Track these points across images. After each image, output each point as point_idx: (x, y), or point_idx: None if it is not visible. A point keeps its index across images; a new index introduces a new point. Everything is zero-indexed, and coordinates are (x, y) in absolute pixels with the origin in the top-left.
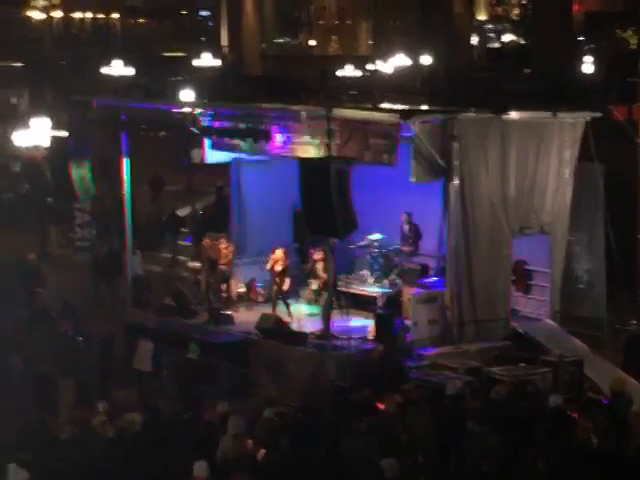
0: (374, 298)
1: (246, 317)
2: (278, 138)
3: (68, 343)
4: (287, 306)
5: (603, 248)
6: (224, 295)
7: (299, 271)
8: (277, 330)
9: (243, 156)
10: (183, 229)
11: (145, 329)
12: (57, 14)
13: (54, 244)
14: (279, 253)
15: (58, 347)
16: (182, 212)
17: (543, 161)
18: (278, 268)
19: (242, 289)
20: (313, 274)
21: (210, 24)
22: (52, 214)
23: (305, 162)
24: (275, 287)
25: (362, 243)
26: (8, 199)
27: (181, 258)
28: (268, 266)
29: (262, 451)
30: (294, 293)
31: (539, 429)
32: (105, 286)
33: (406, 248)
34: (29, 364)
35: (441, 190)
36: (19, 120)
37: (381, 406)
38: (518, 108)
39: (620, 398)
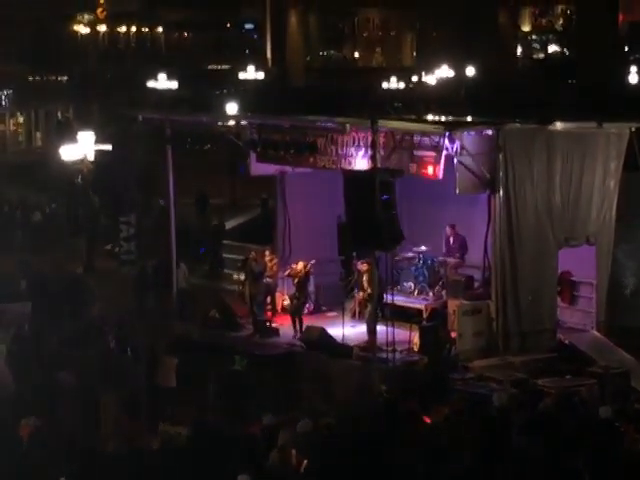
0: (419, 310)
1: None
2: (323, 150)
3: (114, 357)
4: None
5: None
6: (269, 307)
7: (344, 283)
8: (322, 342)
9: (288, 168)
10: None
11: (189, 342)
12: (102, 28)
13: (100, 258)
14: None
15: (104, 362)
16: (228, 225)
17: (588, 172)
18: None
19: (287, 301)
20: (358, 286)
21: (255, 37)
22: (98, 228)
23: (350, 174)
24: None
25: (407, 255)
26: (54, 213)
27: (227, 271)
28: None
29: (305, 462)
30: (339, 305)
31: (588, 441)
32: (151, 300)
33: (451, 260)
34: (78, 379)
35: (486, 201)
36: (66, 134)
37: (427, 419)
38: (563, 119)
39: None
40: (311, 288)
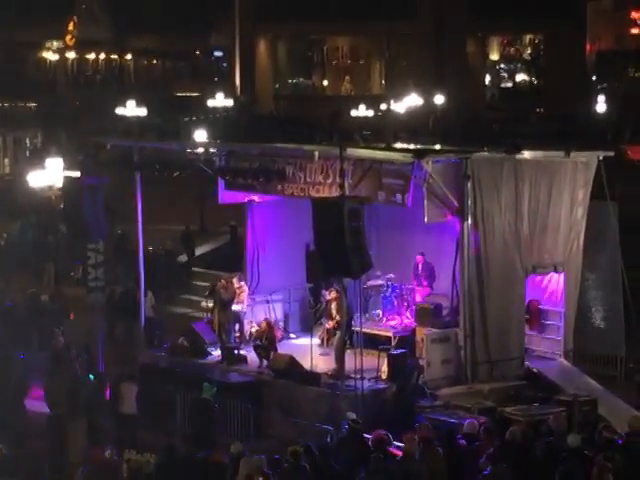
0: (388, 338)
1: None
2: (292, 178)
3: (81, 384)
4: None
5: (620, 287)
6: (237, 335)
7: (313, 311)
8: (290, 370)
9: (256, 196)
10: (193, 269)
11: (157, 369)
12: (71, 55)
13: (67, 284)
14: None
15: (71, 389)
16: (197, 251)
17: (556, 200)
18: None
19: (254, 328)
20: (326, 314)
21: (224, 64)
22: (66, 254)
23: (318, 202)
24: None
25: (376, 282)
26: (22, 240)
27: (194, 298)
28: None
29: None
30: (308, 332)
31: (556, 469)
32: (119, 327)
33: (419, 288)
34: (46, 406)
35: (454, 229)
36: (33, 161)
37: (395, 451)
38: (531, 147)
39: (638, 436)
40: (280, 316)
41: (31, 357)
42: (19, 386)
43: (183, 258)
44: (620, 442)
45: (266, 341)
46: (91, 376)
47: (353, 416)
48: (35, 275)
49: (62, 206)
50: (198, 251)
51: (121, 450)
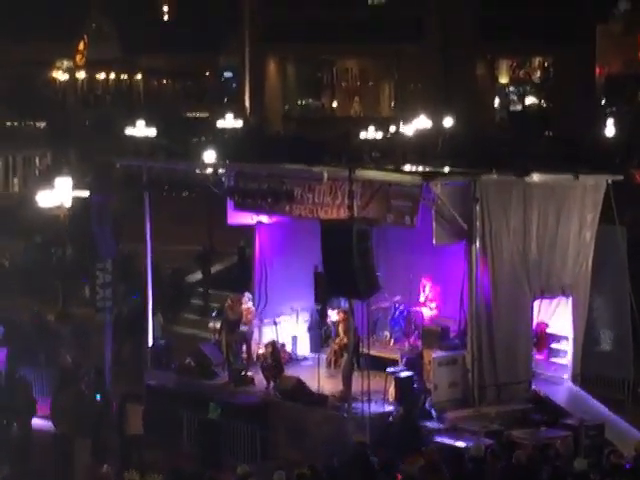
0: (395, 360)
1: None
2: (300, 199)
3: (87, 404)
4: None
5: (628, 310)
6: (244, 356)
7: (320, 332)
8: (297, 392)
9: (265, 217)
10: (201, 289)
11: (164, 390)
12: (81, 75)
13: (75, 304)
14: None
15: (77, 408)
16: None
17: (564, 224)
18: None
19: (262, 350)
20: (335, 335)
21: (233, 85)
22: (74, 274)
23: (327, 223)
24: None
25: (383, 304)
26: (26, 260)
27: (202, 319)
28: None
29: None
30: (315, 354)
31: None
32: (127, 347)
33: (427, 310)
34: (53, 425)
35: (463, 252)
36: (43, 180)
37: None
38: (540, 170)
39: None
40: (287, 337)
41: (38, 375)
42: (26, 403)
43: (191, 278)
44: (628, 466)
45: (273, 362)
46: (98, 396)
47: (360, 438)
48: (40, 294)
49: (70, 225)
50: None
51: (123, 471)
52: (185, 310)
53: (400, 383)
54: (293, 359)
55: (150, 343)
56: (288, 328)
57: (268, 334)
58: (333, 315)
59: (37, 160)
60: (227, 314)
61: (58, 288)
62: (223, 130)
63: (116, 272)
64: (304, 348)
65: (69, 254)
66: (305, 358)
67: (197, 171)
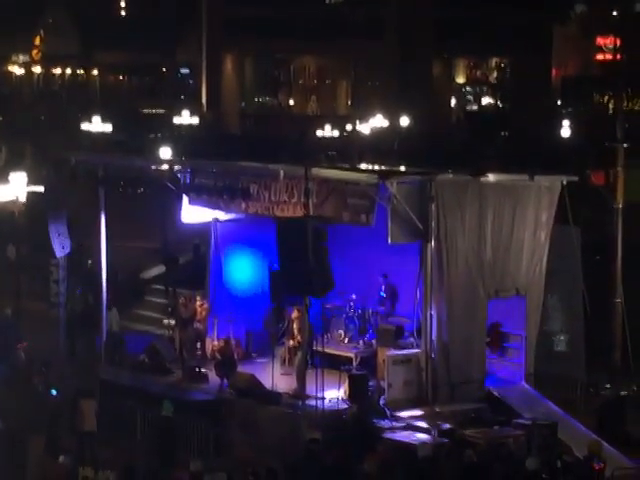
0: (349, 358)
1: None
2: (256, 197)
3: (40, 399)
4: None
5: (582, 311)
6: (199, 353)
7: (275, 330)
8: (251, 389)
9: (220, 214)
10: (155, 286)
11: (117, 386)
12: (37, 69)
13: (29, 299)
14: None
15: (30, 403)
16: (158, 269)
17: (519, 224)
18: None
19: (216, 347)
20: (289, 333)
21: (190, 81)
22: (27, 269)
23: (282, 221)
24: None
25: (338, 303)
26: None
27: (156, 315)
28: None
29: None
30: (269, 352)
31: None
32: (80, 342)
33: (382, 309)
34: (4, 422)
35: (418, 251)
36: None
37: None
38: (495, 170)
39: (594, 460)
40: (242, 335)
41: None
42: None
43: (146, 275)
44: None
45: (223, 359)
46: (54, 391)
47: (313, 436)
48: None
49: (25, 221)
50: (158, 270)
51: (77, 467)
52: (139, 307)
53: (354, 381)
54: (247, 356)
55: (104, 339)
56: (242, 325)
57: (222, 331)
58: (289, 313)
59: None
60: (180, 311)
61: (13, 283)
62: (179, 127)
63: (72, 268)
64: (258, 345)
65: (23, 249)
66: (259, 355)
67: (153, 167)
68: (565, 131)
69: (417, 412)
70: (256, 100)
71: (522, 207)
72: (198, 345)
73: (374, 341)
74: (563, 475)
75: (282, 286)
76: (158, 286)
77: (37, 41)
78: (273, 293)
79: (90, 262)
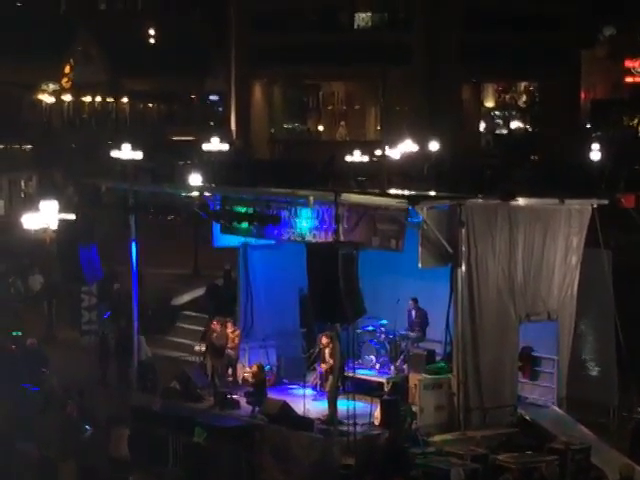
0: (380, 384)
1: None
2: (286, 222)
3: (73, 426)
4: None
5: (613, 335)
6: (230, 379)
7: (306, 356)
8: (283, 415)
9: (251, 240)
10: (186, 312)
11: (149, 413)
12: (67, 98)
13: (61, 327)
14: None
15: (63, 431)
16: (190, 295)
17: (550, 248)
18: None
19: (248, 373)
20: (320, 359)
21: (219, 108)
22: (59, 297)
23: (313, 246)
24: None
25: (369, 328)
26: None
27: (187, 342)
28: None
29: None
30: (301, 377)
31: None
32: (112, 369)
33: (413, 334)
34: (37, 448)
35: (448, 276)
36: (28, 203)
37: None
38: (525, 194)
39: None
40: (273, 361)
41: (20, 397)
42: (9, 425)
43: (177, 301)
44: None
45: (257, 387)
46: (87, 427)
47: (346, 462)
48: (27, 318)
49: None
50: (190, 295)
51: None
52: (170, 333)
53: (386, 406)
54: (279, 382)
55: (135, 365)
56: (274, 351)
57: (254, 358)
58: (320, 338)
59: (22, 183)
60: (212, 337)
61: (44, 311)
62: (209, 153)
63: (103, 295)
64: (290, 371)
65: (54, 277)
66: (291, 381)
67: (183, 194)
68: (595, 154)
69: (449, 437)
70: (285, 126)
71: (553, 231)
72: (229, 371)
73: (405, 366)
74: None
75: (313, 312)
76: (189, 312)
77: (67, 69)
78: (304, 319)
79: (117, 286)
